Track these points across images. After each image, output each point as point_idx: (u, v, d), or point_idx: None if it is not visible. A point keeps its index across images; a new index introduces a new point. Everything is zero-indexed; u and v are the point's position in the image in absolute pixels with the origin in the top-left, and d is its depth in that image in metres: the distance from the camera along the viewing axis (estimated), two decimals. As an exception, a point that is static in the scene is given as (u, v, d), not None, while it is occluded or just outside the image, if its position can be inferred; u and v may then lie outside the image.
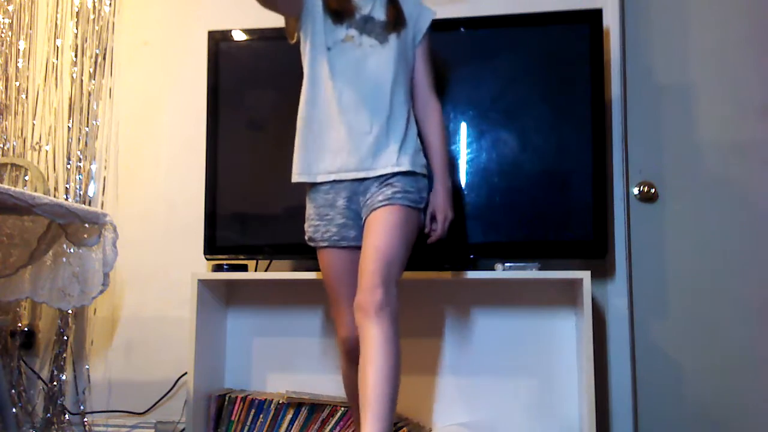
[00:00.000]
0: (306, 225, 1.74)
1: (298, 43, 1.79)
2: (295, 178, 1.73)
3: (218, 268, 2.27)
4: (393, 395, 1.44)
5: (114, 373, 2.56)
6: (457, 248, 2.17)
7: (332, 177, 1.68)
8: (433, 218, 1.76)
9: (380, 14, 1.74)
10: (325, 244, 1.69)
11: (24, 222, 1.94)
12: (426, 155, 1.78)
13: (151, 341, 2.54)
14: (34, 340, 2.59)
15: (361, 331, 1.51)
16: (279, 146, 2.27)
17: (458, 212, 2.14)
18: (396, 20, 1.73)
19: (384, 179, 1.65)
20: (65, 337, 2.56)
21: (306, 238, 1.74)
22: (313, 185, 1.72)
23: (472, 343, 2.27)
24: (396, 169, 1.65)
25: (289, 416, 2.20)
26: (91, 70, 2.68)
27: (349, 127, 1.67)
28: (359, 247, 1.65)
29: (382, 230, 1.58)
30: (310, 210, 1.73)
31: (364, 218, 1.66)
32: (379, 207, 1.61)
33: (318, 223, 1.70)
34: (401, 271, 1.59)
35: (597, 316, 2.22)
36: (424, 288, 2.28)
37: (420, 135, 1.78)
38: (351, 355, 1.69)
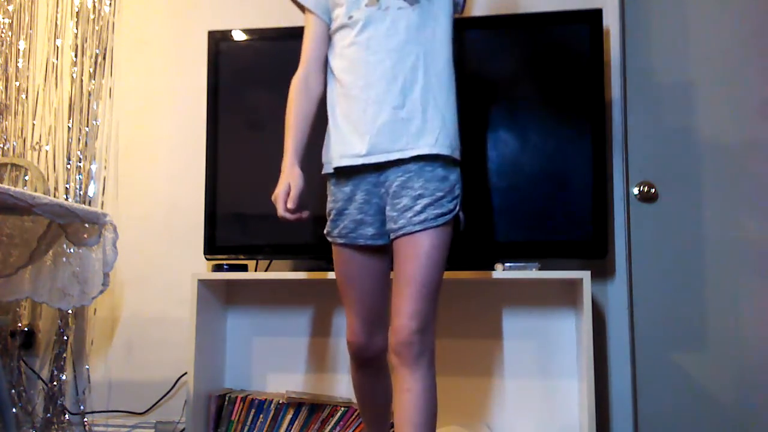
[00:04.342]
0: (328, 220, 1.62)
1: (300, 35, 1.67)
2: (324, 169, 1.62)
3: (218, 268, 2.27)
4: None
5: (114, 373, 2.56)
6: (456, 248, 2.16)
7: (345, 162, 1.53)
8: None
9: None
10: (341, 240, 1.58)
11: (24, 222, 1.93)
12: None
13: (151, 341, 2.54)
14: (34, 340, 2.59)
15: (397, 374, 1.45)
16: (279, 146, 2.28)
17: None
18: None
19: (406, 168, 1.49)
20: (65, 337, 2.56)
21: (324, 232, 1.63)
22: (334, 177, 1.59)
23: (470, 343, 2.27)
24: (417, 152, 1.48)
25: (289, 416, 2.20)
26: (91, 70, 2.68)
27: (374, 105, 1.50)
28: (376, 248, 1.57)
29: (416, 262, 1.46)
30: (329, 204, 1.61)
31: (393, 236, 1.51)
32: (411, 232, 1.47)
33: (335, 217, 1.58)
34: (437, 299, 1.49)
35: (597, 316, 2.22)
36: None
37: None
38: (358, 359, 1.65)
